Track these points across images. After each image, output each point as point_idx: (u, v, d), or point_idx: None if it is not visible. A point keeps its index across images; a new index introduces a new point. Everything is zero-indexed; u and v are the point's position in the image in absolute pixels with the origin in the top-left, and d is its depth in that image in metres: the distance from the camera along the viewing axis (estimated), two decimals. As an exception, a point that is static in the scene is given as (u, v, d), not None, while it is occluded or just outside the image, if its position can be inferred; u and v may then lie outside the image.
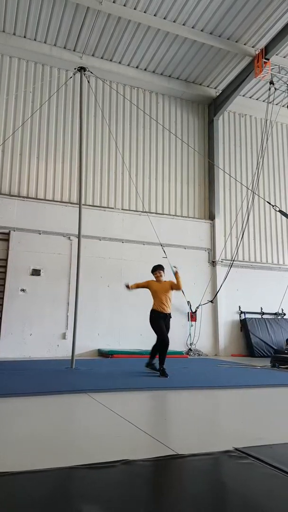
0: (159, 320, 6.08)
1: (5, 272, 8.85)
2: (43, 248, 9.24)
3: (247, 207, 10.79)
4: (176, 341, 9.97)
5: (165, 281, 6.36)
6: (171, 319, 6.28)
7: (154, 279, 6.41)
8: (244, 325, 10.71)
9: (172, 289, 6.27)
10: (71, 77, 9.13)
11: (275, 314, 11.17)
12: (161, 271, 6.33)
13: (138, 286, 6.42)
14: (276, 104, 11.64)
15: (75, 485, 1.96)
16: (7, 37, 9.51)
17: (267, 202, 8.64)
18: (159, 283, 6.30)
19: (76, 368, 6.38)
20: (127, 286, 6.42)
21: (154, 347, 6.18)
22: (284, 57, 10.37)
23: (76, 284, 6.94)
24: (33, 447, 2.57)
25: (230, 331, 10.72)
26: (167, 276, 6.53)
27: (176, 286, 6.26)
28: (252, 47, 10.06)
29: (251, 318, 10.82)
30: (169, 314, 6.21)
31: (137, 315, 8.85)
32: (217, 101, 11.60)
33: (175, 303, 9.92)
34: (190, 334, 10.22)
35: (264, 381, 5.78)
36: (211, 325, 10.58)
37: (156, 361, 6.13)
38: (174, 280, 6.31)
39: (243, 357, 10.01)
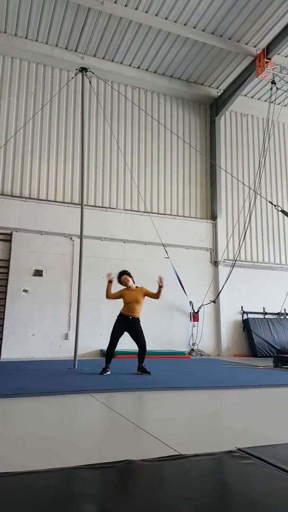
0: (119, 326, 6.04)
1: (7, 273, 8.86)
2: (45, 248, 9.25)
3: (249, 207, 10.76)
4: (178, 341, 9.99)
5: (136, 287, 6.24)
6: (140, 323, 6.15)
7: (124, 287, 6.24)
8: (246, 325, 10.69)
9: (145, 296, 6.17)
10: (72, 78, 9.14)
11: (278, 314, 11.15)
12: (126, 278, 6.20)
13: (113, 295, 6.19)
14: (278, 104, 11.61)
15: (77, 486, 1.94)
16: (9, 38, 9.53)
17: (269, 202, 8.62)
18: (130, 292, 6.15)
19: (78, 369, 6.39)
20: (109, 280, 6.20)
21: (139, 353, 6.16)
22: (285, 56, 10.36)
23: (78, 284, 6.95)
24: (34, 447, 2.56)
25: (233, 331, 10.70)
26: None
27: (154, 296, 6.16)
28: (254, 46, 10.05)
29: (254, 318, 10.80)
30: (136, 318, 6.10)
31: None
32: (219, 101, 11.60)
33: (177, 303, 10.03)
34: (192, 334, 10.20)
35: (266, 381, 5.76)
36: (213, 325, 10.57)
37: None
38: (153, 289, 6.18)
39: (246, 357, 9.99)
